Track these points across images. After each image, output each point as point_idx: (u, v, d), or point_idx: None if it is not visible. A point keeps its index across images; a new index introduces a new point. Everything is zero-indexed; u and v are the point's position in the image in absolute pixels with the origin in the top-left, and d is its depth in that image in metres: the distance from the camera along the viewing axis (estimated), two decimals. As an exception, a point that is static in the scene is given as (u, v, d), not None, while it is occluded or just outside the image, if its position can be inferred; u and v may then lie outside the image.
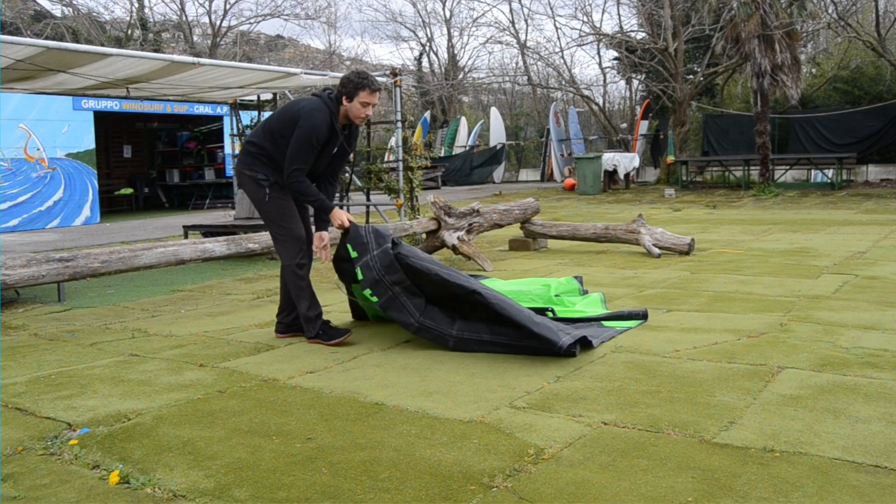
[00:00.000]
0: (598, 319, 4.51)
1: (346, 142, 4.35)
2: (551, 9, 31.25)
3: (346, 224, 4.26)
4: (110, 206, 18.06)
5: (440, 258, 7.86)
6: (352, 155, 13.20)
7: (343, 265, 4.35)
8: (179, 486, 2.40)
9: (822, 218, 11.53)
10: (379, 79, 10.12)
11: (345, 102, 4.18)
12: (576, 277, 5.73)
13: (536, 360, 3.79)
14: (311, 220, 4.56)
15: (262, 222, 9.00)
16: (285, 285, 4.45)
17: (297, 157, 4.12)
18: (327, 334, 4.26)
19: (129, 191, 19.06)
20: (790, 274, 6.29)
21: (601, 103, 26.67)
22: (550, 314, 4.48)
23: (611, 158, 19.87)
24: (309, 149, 4.12)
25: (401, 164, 9.31)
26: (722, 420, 2.85)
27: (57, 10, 26.13)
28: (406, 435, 2.79)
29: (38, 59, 6.42)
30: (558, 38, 43.98)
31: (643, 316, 4.57)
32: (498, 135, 26.72)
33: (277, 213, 4.31)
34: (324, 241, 4.35)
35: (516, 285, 5.41)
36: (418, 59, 35.37)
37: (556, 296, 4.99)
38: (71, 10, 25.49)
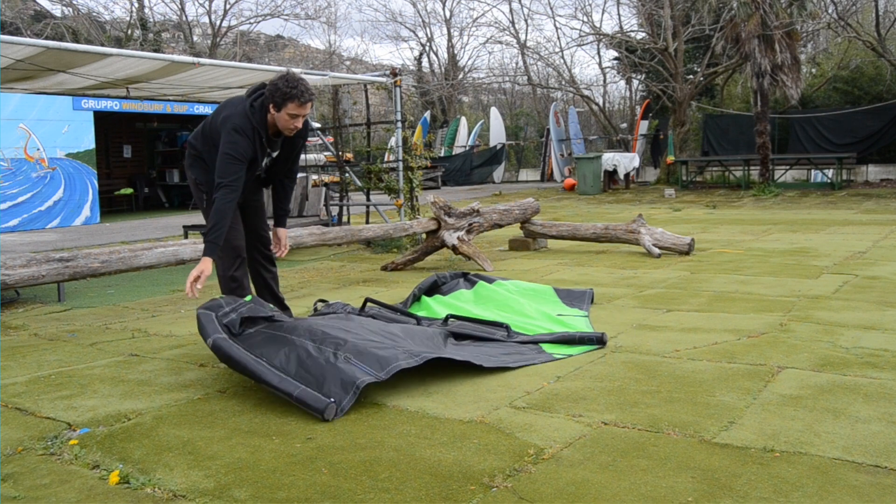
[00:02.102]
0: (547, 341, 4.10)
1: (287, 143, 4.11)
2: (551, 9, 31.19)
3: (196, 283, 3.63)
4: (110, 206, 18.05)
5: (440, 258, 7.87)
6: (349, 154, 13.16)
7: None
8: (179, 486, 2.40)
9: (822, 218, 11.53)
10: (379, 79, 10.17)
11: (272, 111, 3.83)
12: (587, 290, 5.43)
13: (536, 360, 3.78)
14: (270, 220, 4.42)
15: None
16: (260, 293, 4.37)
17: (224, 172, 3.78)
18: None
19: (129, 191, 19.05)
20: (790, 274, 6.29)
21: (601, 103, 26.67)
22: (505, 332, 4.24)
23: (611, 158, 19.87)
24: (233, 164, 3.78)
25: (401, 164, 9.32)
26: (722, 420, 2.85)
27: (57, 10, 26.15)
28: (406, 435, 2.79)
29: (38, 59, 6.41)
30: (558, 38, 44.02)
31: (599, 341, 4.03)
32: (498, 135, 26.72)
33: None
34: (281, 238, 4.28)
35: (520, 295, 5.24)
36: (418, 59, 35.39)
37: (560, 315, 4.82)
38: (71, 10, 25.49)
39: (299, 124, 3.89)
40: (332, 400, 2.94)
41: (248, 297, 3.78)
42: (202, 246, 5.53)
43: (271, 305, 4.05)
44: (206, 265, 3.71)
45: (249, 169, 3.95)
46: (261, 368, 3.10)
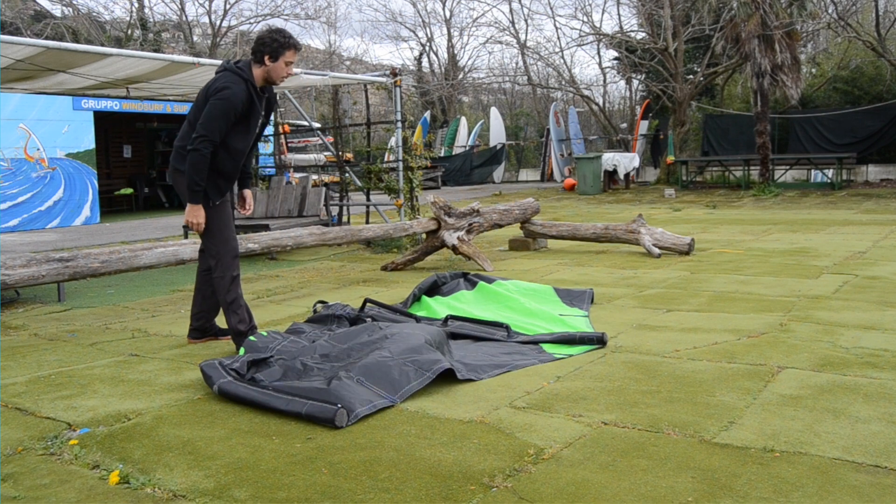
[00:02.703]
0: (548, 341, 4.11)
1: (265, 109, 4.23)
2: (551, 9, 31.13)
3: (198, 228, 4.05)
4: (110, 206, 18.05)
5: (440, 258, 7.87)
6: (349, 154, 13.16)
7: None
8: (179, 486, 2.40)
9: (822, 218, 11.53)
10: (379, 79, 10.18)
11: (267, 63, 4.00)
12: (587, 290, 5.43)
13: (536, 360, 3.78)
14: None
15: (262, 222, 9.00)
16: (200, 290, 4.40)
17: (210, 126, 3.89)
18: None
19: (129, 191, 19.05)
20: (790, 274, 6.29)
21: (601, 103, 26.65)
22: (505, 332, 4.24)
23: (611, 158, 19.87)
24: (224, 119, 3.92)
25: (401, 164, 9.31)
26: (722, 420, 2.85)
27: (57, 10, 26.13)
28: (406, 435, 2.79)
29: (38, 59, 6.41)
30: (558, 38, 43.95)
31: (599, 341, 4.04)
32: (498, 135, 26.72)
33: (218, 222, 4.16)
34: (247, 198, 4.43)
35: (520, 295, 5.24)
36: (418, 59, 35.38)
37: (561, 315, 4.82)
38: (71, 10, 25.49)
39: (293, 71, 4.15)
40: (340, 406, 2.94)
41: (242, 351, 3.85)
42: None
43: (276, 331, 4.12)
44: (199, 212, 4.03)
45: (249, 130, 4.11)
46: (267, 398, 3.13)
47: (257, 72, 4.04)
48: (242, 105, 3.97)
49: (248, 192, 4.53)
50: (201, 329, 4.47)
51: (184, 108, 16.50)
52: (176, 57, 8.68)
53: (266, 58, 4.00)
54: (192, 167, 3.93)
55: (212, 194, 4.10)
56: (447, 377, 3.43)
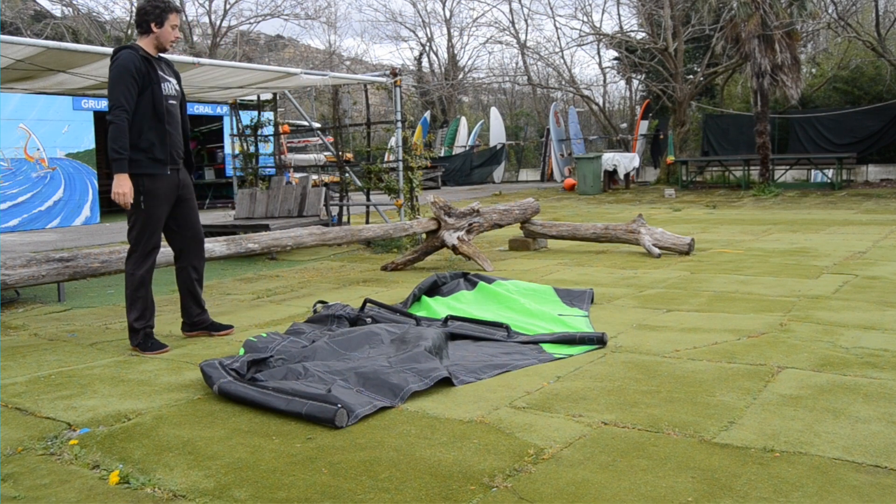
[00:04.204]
0: (548, 341, 4.10)
1: (174, 76, 4.35)
2: (551, 9, 31.19)
3: (124, 201, 4.07)
4: (110, 206, 18.01)
5: (440, 258, 7.87)
6: (349, 154, 13.16)
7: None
8: (179, 486, 2.40)
9: (822, 218, 11.53)
10: (379, 79, 10.18)
11: (154, 30, 4.17)
12: (587, 290, 5.42)
13: (536, 360, 3.78)
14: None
15: (262, 222, 9.01)
16: (184, 286, 4.57)
17: (119, 92, 4.01)
18: (146, 345, 4.23)
19: (129, 191, 19.02)
20: (790, 274, 6.29)
21: (601, 103, 26.65)
22: (505, 332, 4.24)
23: (611, 158, 19.87)
24: (129, 80, 4.02)
25: (401, 164, 9.31)
26: (722, 420, 2.85)
27: (57, 10, 26.15)
28: (406, 435, 2.79)
29: (38, 59, 6.41)
30: (558, 38, 43.99)
31: (599, 341, 4.03)
32: (498, 135, 26.72)
33: (145, 220, 4.22)
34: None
35: (520, 295, 5.24)
36: (418, 59, 35.40)
37: (561, 315, 4.81)
38: (71, 10, 25.49)
39: (179, 35, 4.33)
40: (340, 406, 2.94)
41: (242, 351, 3.87)
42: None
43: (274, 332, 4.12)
44: (125, 182, 4.05)
45: (155, 104, 4.13)
46: (267, 398, 3.13)
47: (146, 41, 4.20)
48: (139, 63, 4.09)
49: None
50: (191, 323, 4.63)
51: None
52: (176, 57, 8.67)
53: (153, 25, 4.17)
54: (116, 133, 4.02)
55: (146, 167, 4.14)
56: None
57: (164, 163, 4.21)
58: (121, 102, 4.02)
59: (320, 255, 8.83)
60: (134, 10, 26.01)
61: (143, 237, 4.25)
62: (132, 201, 4.11)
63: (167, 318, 5.33)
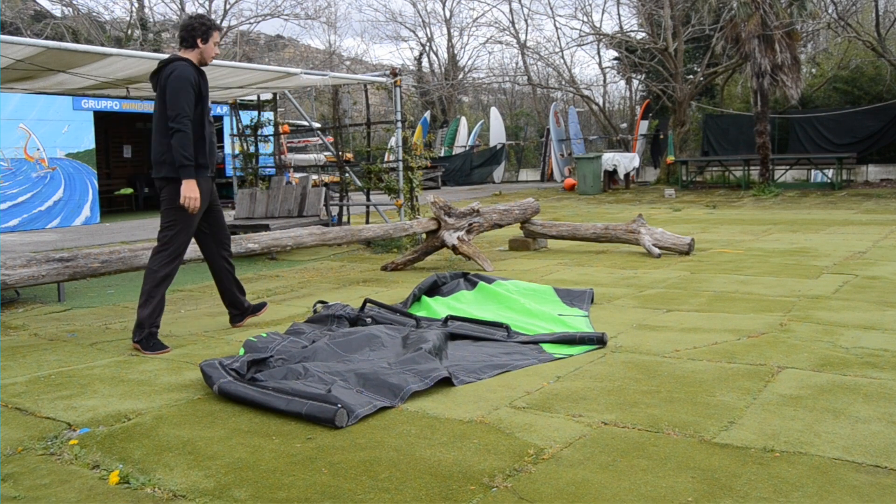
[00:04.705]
0: (548, 341, 4.10)
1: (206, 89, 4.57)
2: (551, 9, 31.16)
3: (194, 205, 4.30)
4: (110, 206, 18.05)
5: (440, 258, 7.87)
6: (349, 154, 13.17)
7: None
8: (179, 486, 2.40)
9: (822, 218, 11.53)
10: (379, 79, 10.18)
11: (200, 45, 4.42)
12: (587, 290, 5.42)
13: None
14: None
15: (262, 222, 9.01)
16: (221, 281, 4.77)
17: (183, 101, 4.21)
18: (148, 344, 4.27)
19: (129, 191, 19.05)
20: (790, 274, 6.29)
21: (601, 103, 26.64)
22: (505, 332, 4.24)
23: (611, 158, 19.86)
24: (190, 90, 4.25)
25: (401, 164, 9.31)
26: (722, 420, 2.85)
27: (57, 10, 26.12)
28: (406, 435, 2.79)
29: (38, 59, 6.41)
30: (558, 38, 43.94)
31: (599, 341, 4.03)
32: (498, 135, 26.71)
33: (185, 222, 4.42)
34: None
35: (520, 295, 5.24)
36: (418, 59, 35.38)
37: (561, 315, 4.80)
38: (71, 10, 25.47)
39: (219, 51, 4.61)
40: (340, 406, 2.94)
41: (242, 351, 3.89)
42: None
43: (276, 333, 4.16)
44: (195, 187, 4.27)
45: (204, 111, 4.38)
46: (267, 398, 3.14)
47: (191, 55, 4.44)
48: (195, 76, 4.33)
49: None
50: (237, 313, 4.87)
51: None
52: (176, 57, 8.66)
53: (199, 41, 4.42)
54: (181, 143, 4.19)
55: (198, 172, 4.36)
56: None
57: (206, 168, 4.43)
58: (185, 111, 4.23)
59: (320, 255, 8.83)
60: (135, 10, 26.05)
61: (179, 237, 4.42)
62: (191, 204, 4.31)
63: (167, 317, 5.32)
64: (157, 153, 4.37)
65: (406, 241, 8.81)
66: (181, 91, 4.22)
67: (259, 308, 4.98)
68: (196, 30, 4.40)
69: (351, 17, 50.20)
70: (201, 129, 4.37)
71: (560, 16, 48.09)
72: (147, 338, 4.26)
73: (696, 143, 22.14)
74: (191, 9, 26.53)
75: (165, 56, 4.60)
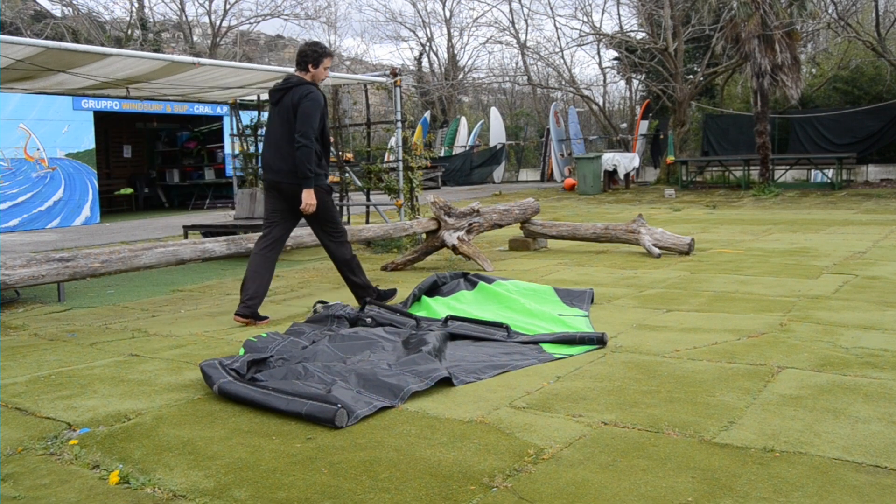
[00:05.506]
0: (548, 341, 4.10)
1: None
2: (551, 9, 31.16)
3: (313, 210, 4.99)
4: (110, 206, 18.06)
5: (440, 258, 7.87)
6: (349, 154, 13.22)
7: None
8: (179, 486, 2.40)
9: (822, 218, 11.53)
10: (379, 79, 10.18)
11: (311, 70, 5.01)
12: (587, 290, 5.41)
13: (536, 360, 3.77)
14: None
15: (260, 222, 9.01)
16: (257, 272, 5.00)
17: (314, 121, 4.86)
18: (382, 294, 5.36)
19: (129, 191, 19.06)
20: (790, 274, 6.29)
21: (601, 103, 26.65)
22: (505, 332, 4.23)
23: (611, 158, 19.86)
24: (319, 114, 4.90)
25: (401, 164, 9.31)
26: (722, 420, 2.85)
27: (57, 10, 26.12)
28: (406, 435, 2.79)
29: (38, 59, 6.41)
30: (558, 38, 43.90)
31: (599, 341, 4.03)
32: (498, 135, 26.71)
33: (334, 211, 5.25)
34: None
35: (520, 295, 5.24)
36: (418, 59, 35.38)
37: (561, 315, 4.80)
38: (71, 10, 25.47)
39: (328, 74, 5.24)
40: (340, 406, 2.94)
41: (242, 351, 3.89)
42: (201, 246, 5.62)
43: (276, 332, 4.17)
44: (314, 196, 4.97)
45: (326, 126, 5.03)
46: (267, 398, 3.13)
47: (306, 76, 5.02)
48: (324, 105, 4.98)
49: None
50: (252, 313, 4.96)
51: (184, 108, 16.51)
52: (176, 57, 8.68)
53: (310, 66, 5.00)
54: (303, 159, 4.85)
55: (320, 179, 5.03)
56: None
57: (322, 175, 5.08)
58: (314, 131, 4.88)
59: (320, 255, 8.82)
60: (135, 10, 26.05)
61: (339, 220, 5.39)
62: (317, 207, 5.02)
63: (167, 317, 5.33)
64: (286, 163, 4.95)
65: (406, 241, 8.81)
66: (313, 113, 4.86)
67: (388, 294, 5.56)
68: (309, 56, 4.99)
69: (351, 17, 50.20)
70: (322, 144, 5.01)
71: (560, 16, 48.11)
72: (379, 295, 5.30)
73: (696, 143, 22.15)
74: (191, 9, 26.51)
75: (288, 71, 5.31)
